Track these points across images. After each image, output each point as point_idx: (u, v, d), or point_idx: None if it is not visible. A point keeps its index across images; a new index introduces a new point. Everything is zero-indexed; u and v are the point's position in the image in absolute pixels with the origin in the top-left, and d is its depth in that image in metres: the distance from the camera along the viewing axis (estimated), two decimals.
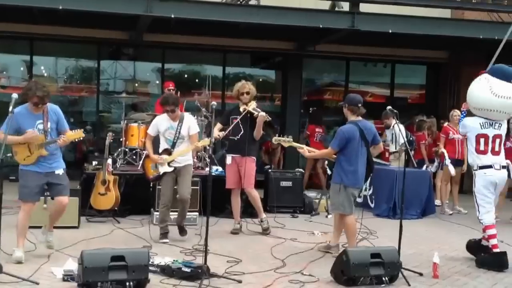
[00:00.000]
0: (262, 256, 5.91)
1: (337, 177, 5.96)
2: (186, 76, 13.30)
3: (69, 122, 5.57)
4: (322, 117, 11.98)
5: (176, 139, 6.34)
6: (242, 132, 6.91)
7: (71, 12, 8.95)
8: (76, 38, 11.22)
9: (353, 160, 5.87)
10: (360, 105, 5.98)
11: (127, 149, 9.08)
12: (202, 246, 5.25)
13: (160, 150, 6.42)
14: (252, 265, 5.47)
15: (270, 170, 9.29)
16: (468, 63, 12.47)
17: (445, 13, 11.93)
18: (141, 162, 8.71)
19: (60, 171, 5.35)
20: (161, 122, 6.45)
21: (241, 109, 6.93)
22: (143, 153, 8.72)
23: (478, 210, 5.85)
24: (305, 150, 6.31)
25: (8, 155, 5.19)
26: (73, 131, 5.33)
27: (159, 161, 6.35)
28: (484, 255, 5.87)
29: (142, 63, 13.00)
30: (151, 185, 7.38)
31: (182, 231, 6.58)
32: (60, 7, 8.67)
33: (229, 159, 7.04)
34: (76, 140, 5.35)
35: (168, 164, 6.34)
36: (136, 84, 13.10)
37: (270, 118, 6.84)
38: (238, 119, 6.89)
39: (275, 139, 6.45)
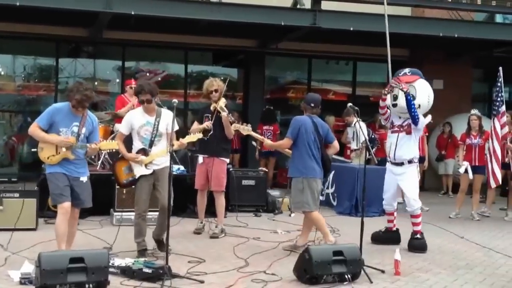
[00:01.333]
0: (225, 256, 5.86)
1: (296, 172, 5.95)
2: (147, 74, 13.10)
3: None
4: (275, 115, 11.93)
5: (154, 136, 5.47)
6: (211, 132, 6.76)
7: (28, 8, 8.69)
8: (34, 35, 10.92)
9: (310, 152, 5.91)
10: (313, 105, 6.07)
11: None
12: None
13: (135, 151, 5.55)
14: (215, 265, 5.41)
15: (231, 169, 9.24)
16: (428, 60, 12.76)
17: (406, 11, 12.11)
18: (99, 162, 8.57)
19: (84, 178, 5.17)
20: (136, 117, 5.54)
21: (211, 108, 6.82)
22: (102, 152, 8.54)
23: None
24: (264, 139, 6.48)
25: (33, 150, 5.00)
26: (106, 140, 5.20)
27: (136, 160, 5.47)
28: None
29: (102, 61, 12.75)
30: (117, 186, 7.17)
31: (161, 246, 5.63)
32: (18, 3, 8.43)
33: (200, 158, 6.91)
34: (108, 151, 5.17)
35: (146, 166, 5.51)
36: (96, 83, 12.83)
37: (232, 119, 6.70)
38: (209, 119, 6.77)
39: (234, 126, 6.41)
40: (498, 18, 12.51)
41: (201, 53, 12.69)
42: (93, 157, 8.87)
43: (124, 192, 7.38)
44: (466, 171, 8.77)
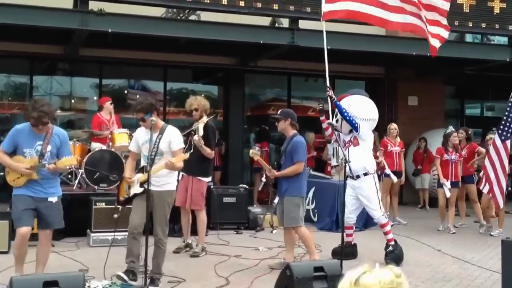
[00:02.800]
0: (206, 275, 5.77)
1: (295, 190, 6.00)
2: (125, 92, 13.01)
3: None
4: (269, 135, 12.10)
5: (153, 154, 5.19)
6: (191, 151, 6.57)
7: (1, 25, 8.55)
8: (7, 52, 10.71)
9: (305, 170, 6.10)
10: (295, 121, 6.26)
11: None
12: (142, 266, 5.05)
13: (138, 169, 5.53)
14: (195, 284, 5.32)
15: (212, 187, 9.16)
16: (403, 78, 12.99)
17: (381, 30, 12.28)
18: (76, 181, 8.41)
19: (54, 198, 5.04)
20: (140, 134, 5.46)
21: (194, 126, 6.80)
22: (79, 172, 8.43)
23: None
24: (271, 170, 6.26)
25: (0, 174, 4.88)
26: (66, 157, 4.99)
27: (129, 181, 5.34)
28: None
29: (79, 79, 12.61)
30: (94, 206, 7.08)
31: (153, 283, 5.18)
32: None
33: (180, 176, 6.82)
34: (69, 168, 5.02)
35: (141, 184, 5.30)
36: (73, 101, 12.69)
37: (202, 143, 6.60)
38: (190, 137, 6.73)
39: (252, 152, 6.30)
40: (468, 38, 12.80)
41: (181, 70, 12.65)
42: (69, 176, 8.76)
43: (102, 212, 7.27)
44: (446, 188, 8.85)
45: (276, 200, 6.61)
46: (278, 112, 6.38)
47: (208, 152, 6.69)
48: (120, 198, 5.56)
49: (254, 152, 6.24)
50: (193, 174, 6.72)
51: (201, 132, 6.67)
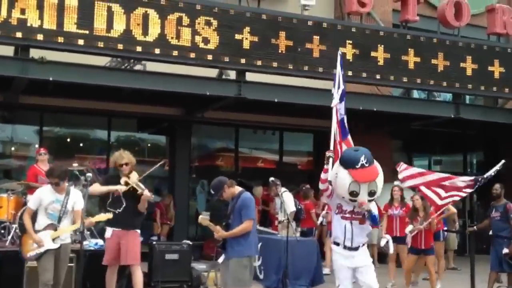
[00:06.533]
0: None
1: (243, 250, 5.75)
2: (68, 140, 12.58)
3: None
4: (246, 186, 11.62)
5: (62, 213, 5.95)
6: (124, 205, 6.49)
7: None
8: None
9: (255, 228, 5.88)
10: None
11: None
12: None
13: (42, 226, 5.92)
14: None
15: (154, 242, 8.79)
16: (351, 132, 13.03)
17: (328, 85, 12.45)
18: (9, 237, 8.00)
19: None
20: (46, 195, 6.00)
21: (122, 182, 6.54)
22: (12, 226, 8.07)
23: None
24: (219, 230, 5.95)
25: None
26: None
27: (41, 244, 5.84)
28: None
29: (19, 126, 12.13)
30: (26, 264, 6.65)
31: None
32: None
33: (109, 232, 6.54)
34: None
35: (53, 240, 5.90)
36: (13, 148, 12.18)
37: (152, 197, 6.63)
38: (120, 193, 6.49)
39: (202, 218, 6.12)
40: (415, 94, 13.18)
41: (126, 120, 12.37)
42: (2, 231, 8.31)
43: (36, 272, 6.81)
44: (387, 243, 8.78)
45: (221, 258, 6.30)
46: (212, 191, 6.16)
47: (145, 206, 6.62)
48: (28, 254, 5.97)
49: (203, 217, 6.12)
50: (129, 227, 6.51)
51: (143, 187, 6.48)
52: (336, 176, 5.39)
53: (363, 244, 5.59)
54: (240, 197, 5.91)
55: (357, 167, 5.29)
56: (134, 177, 6.54)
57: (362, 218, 5.47)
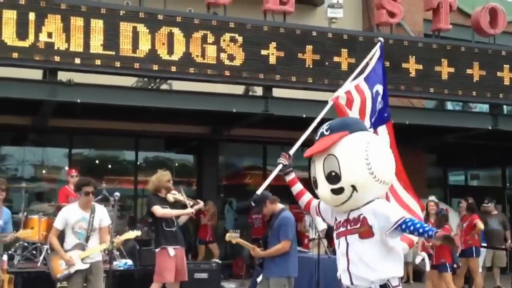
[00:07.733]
0: None
1: (280, 271, 5.62)
2: (96, 162, 12.66)
3: None
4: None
5: (89, 232, 5.87)
6: (176, 222, 6.67)
7: None
8: None
9: (295, 247, 5.72)
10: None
11: (26, 244, 8.33)
12: None
13: (70, 246, 5.86)
14: None
15: None
16: None
17: None
18: (41, 258, 8.03)
19: None
20: (72, 213, 5.93)
21: (171, 198, 6.67)
22: (44, 247, 8.11)
23: None
24: (255, 248, 5.89)
25: None
26: None
27: (71, 263, 5.77)
28: None
29: (49, 149, 12.27)
30: (58, 285, 6.63)
31: None
32: None
33: (171, 251, 6.53)
34: None
35: (82, 260, 5.82)
36: (44, 171, 12.31)
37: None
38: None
39: (229, 236, 6.03)
40: (449, 106, 12.83)
41: (153, 139, 12.40)
42: (34, 252, 8.35)
43: None
44: (423, 261, 8.47)
45: (260, 278, 6.19)
46: (252, 203, 6.19)
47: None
48: (58, 275, 5.90)
49: (232, 235, 5.99)
50: (183, 244, 6.76)
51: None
52: None
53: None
54: (280, 215, 5.83)
55: (316, 139, 3.50)
56: (180, 197, 6.78)
57: (364, 228, 3.24)
